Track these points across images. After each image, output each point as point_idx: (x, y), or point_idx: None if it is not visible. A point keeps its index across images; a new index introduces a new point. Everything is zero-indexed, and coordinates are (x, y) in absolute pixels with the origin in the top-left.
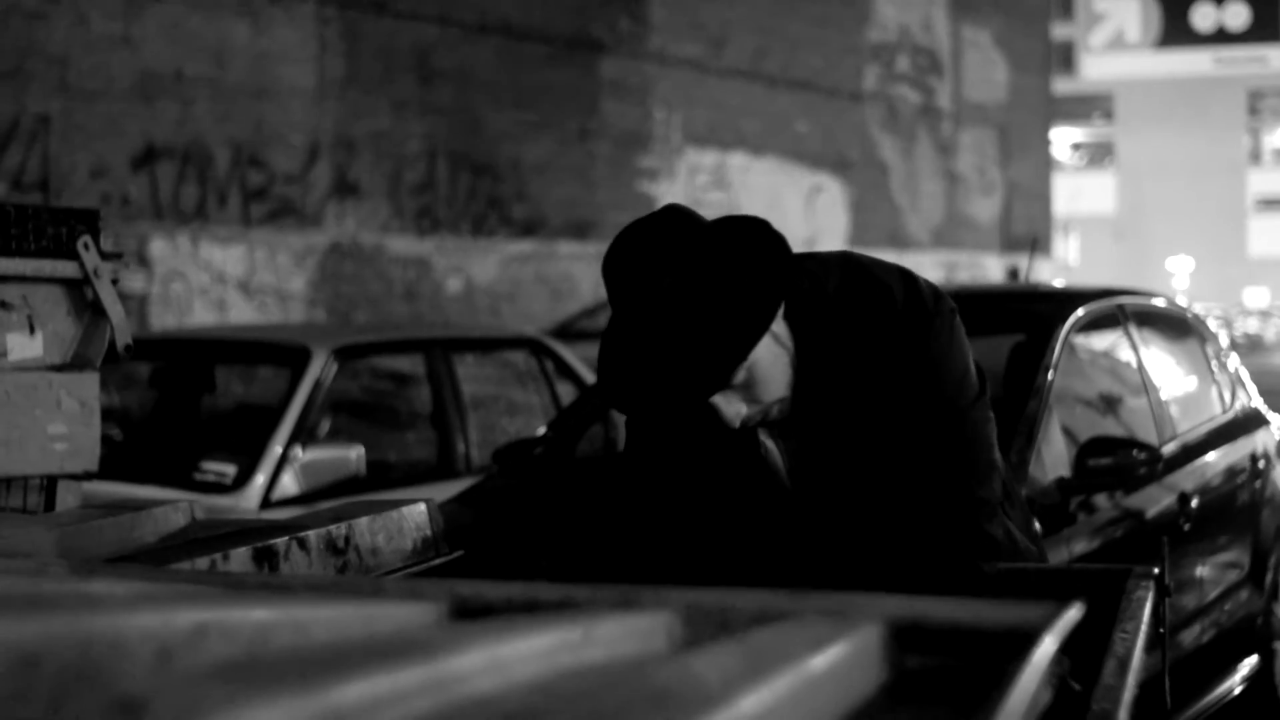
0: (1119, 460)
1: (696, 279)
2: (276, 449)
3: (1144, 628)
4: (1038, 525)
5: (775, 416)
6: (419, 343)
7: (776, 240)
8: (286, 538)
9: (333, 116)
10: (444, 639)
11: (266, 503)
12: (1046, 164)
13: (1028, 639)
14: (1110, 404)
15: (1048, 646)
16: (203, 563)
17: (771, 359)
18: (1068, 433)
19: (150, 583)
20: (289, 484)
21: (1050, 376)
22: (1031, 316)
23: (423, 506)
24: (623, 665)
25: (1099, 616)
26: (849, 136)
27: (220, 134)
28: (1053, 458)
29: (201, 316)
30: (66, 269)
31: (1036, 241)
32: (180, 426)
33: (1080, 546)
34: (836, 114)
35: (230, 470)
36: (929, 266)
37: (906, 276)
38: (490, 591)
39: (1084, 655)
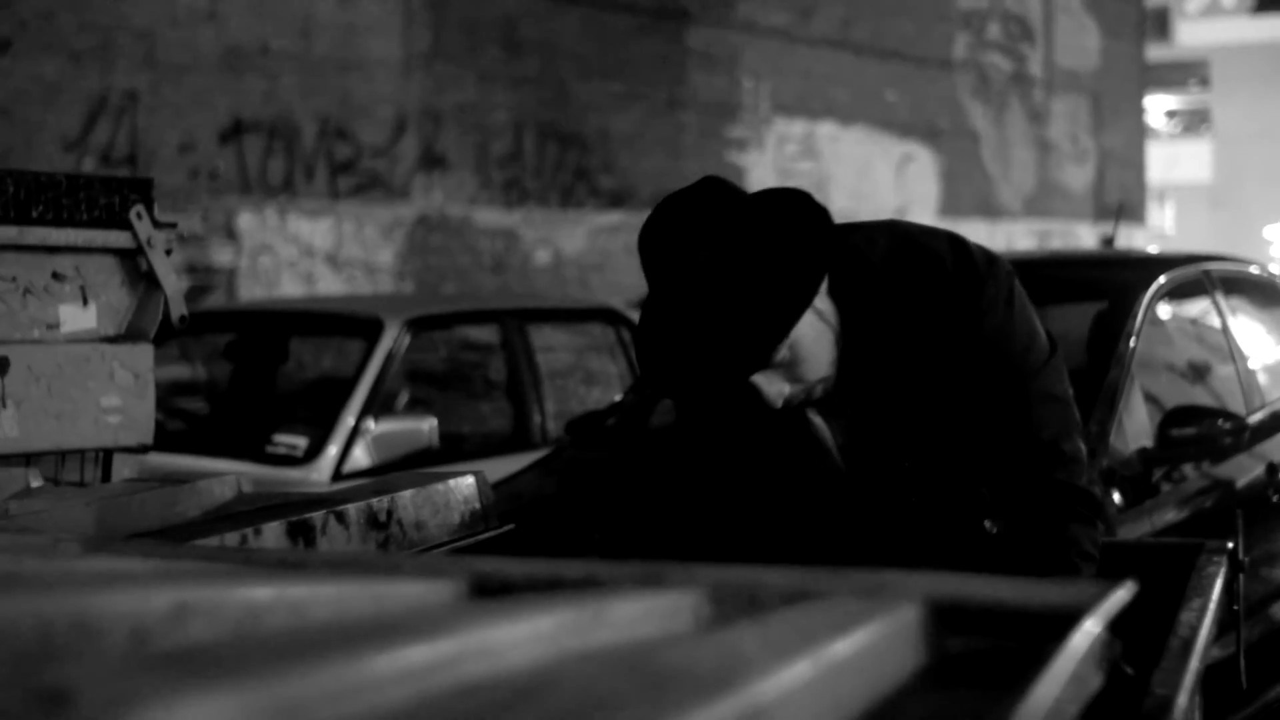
0: (1204, 430)
1: (734, 254)
2: (348, 421)
3: (1213, 606)
4: (1118, 498)
5: (819, 395)
6: (493, 313)
7: (818, 213)
8: (323, 512)
9: (419, 89)
10: (447, 619)
11: (338, 475)
12: (1140, 131)
13: (1071, 620)
14: (1196, 372)
15: (1089, 629)
16: (232, 538)
17: (815, 336)
18: (1151, 402)
19: (157, 560)
20: (361, 457)
21: (1132, 344)
22: (1113, 283)
23: (471, 479)
24: (632, 648)
25: (1167, 594)
26: (939, 105)
27: (307, 107)
28: (1135, 428)
29: (289, 289)
30: (119, 239)
31: (1122, 207)
32: (254, 399)
33: (1163, 519)
34: (926, 82)
35: (302, 443)
36: (1021, 235)
37: (956, 242)
38: (512, 569)
39: (1149, 636)
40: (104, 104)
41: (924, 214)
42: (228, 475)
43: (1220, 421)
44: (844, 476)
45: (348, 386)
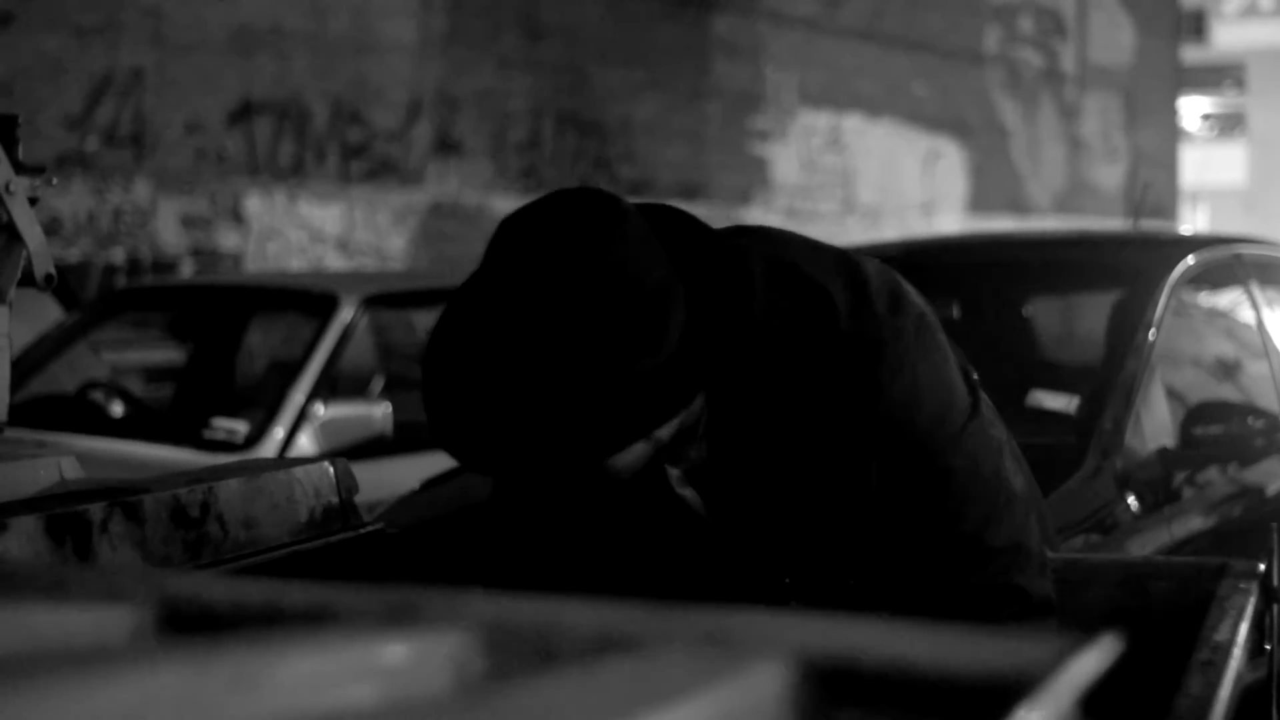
0: (1232, 429)
1: (616, 314)
2: (293, 406)
3: (1238, 650)
4: (1133, 502)
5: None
6: None
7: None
8: (104, 504)
9: (435, 73)
10: (67, 667)
11: None
12: (1173, 132)
13: (1013, 698)
14: (1225, 367)
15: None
16: None
17: None
18: (1175, 398)
19: None
20: (306, 445)
21: (1152, 334)
22: (1133, 267)
23: (327, 466)
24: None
25: (1176, 634)
26: (968, 99)
27: (319, 90)
28: (1154, 426)
29: None
30: None
31: (1147, 187)
32: (196, 380)
33: (1185, 528)
34: (956, 76)
35: (241, 428)
36: None
37: (853, 278)
38: (218, 594)
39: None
40: (109, 82)
41: (952, 210)
42: (49, 458)
43: (1250, 420)
44: (711, 534)
45: (295, 368)
